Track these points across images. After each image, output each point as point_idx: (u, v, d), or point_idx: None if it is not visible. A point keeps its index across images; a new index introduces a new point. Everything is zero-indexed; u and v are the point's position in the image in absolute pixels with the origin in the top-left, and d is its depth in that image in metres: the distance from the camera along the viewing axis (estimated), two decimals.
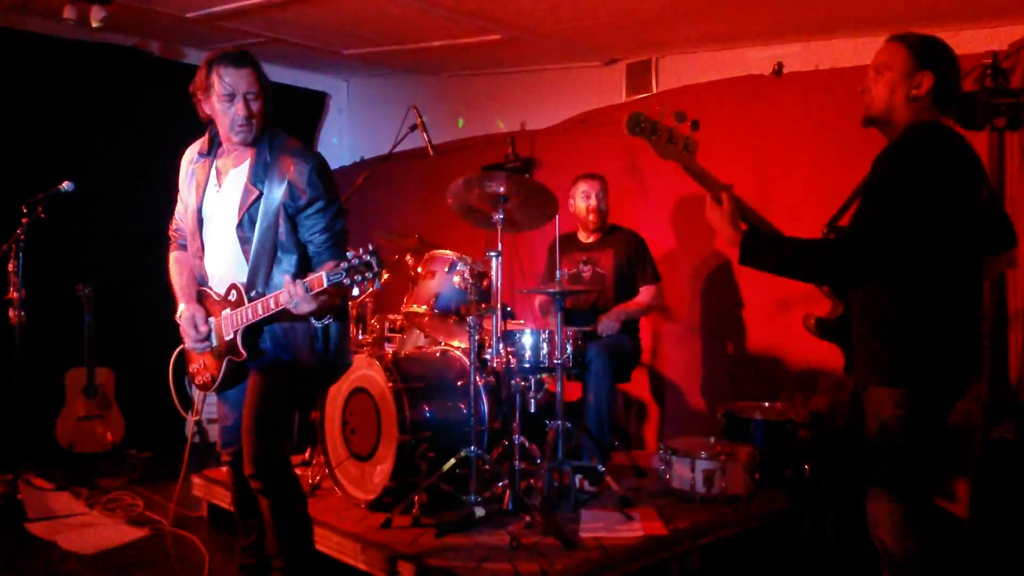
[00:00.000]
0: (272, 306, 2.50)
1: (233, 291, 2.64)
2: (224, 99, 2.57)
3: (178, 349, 2.88)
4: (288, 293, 2.41)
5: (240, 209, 2.63)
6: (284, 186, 2.61)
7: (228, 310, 2.65)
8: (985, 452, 3.26)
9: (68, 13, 4.60)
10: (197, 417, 5.15)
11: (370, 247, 2.35)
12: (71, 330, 5.11)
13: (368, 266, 2.33)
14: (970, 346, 2.23)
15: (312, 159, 2.65)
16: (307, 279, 2.40)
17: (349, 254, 2.35)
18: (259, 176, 2.64)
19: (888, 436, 2.21)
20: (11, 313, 3.63)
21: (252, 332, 2.64)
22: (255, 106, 2.60)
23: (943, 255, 2.15)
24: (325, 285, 2.36)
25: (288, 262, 2.64)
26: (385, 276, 3.23)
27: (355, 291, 2.36)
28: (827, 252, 2.17)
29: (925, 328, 2.17)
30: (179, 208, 2.90)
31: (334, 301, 2.54)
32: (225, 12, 4.76)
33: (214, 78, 2.57)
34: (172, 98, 5.64)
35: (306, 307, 2.43)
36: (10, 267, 3.62)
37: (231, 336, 2.63)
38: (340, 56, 5.81)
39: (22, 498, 3.91)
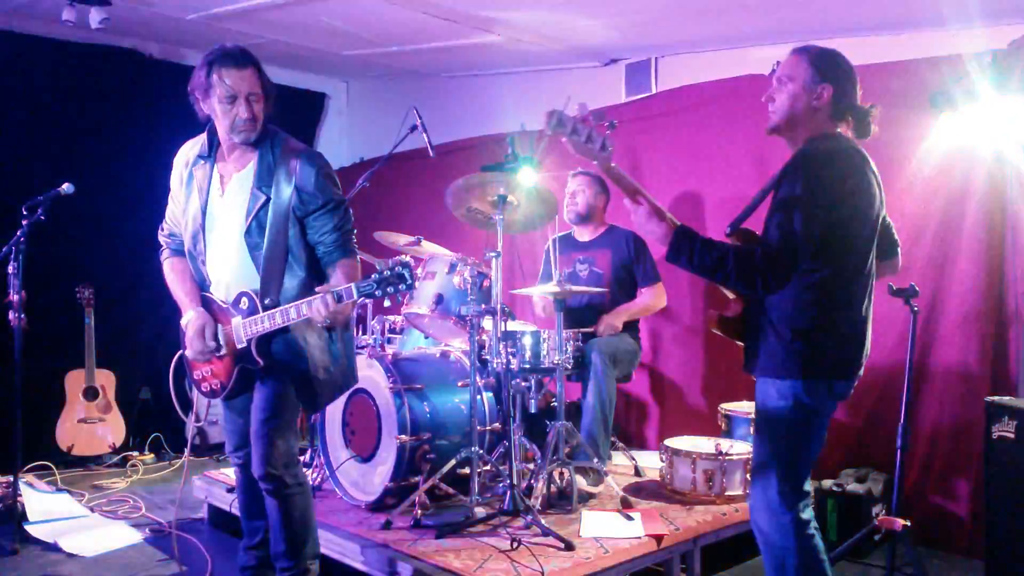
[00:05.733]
0: (294, 316, 2.46)
1: (244, 299, 2.60)
2: (225, 101, 2.52)
3: (178, 354, 2.84)
4: (320, 307, 2.36)
5: (248, 215, 2.60)
6: (292, 189, 2.58)
7: (240, 318, 2.61)
8: (986, 452, 3.26)
9: (67, 15, 4.59)
10: (199, 422, 5.16)
11: (400, 259, 2.34)
12: (71, 332, 5.12)
13: (401, 278, 2.33)
14: (852, 346, 2.32)
15: (316, 161, 2.64)
16: (337, 290, 2.36)
17: (379, 264, 2.34)
18: (264, 180, 2.60)
19: (770, 423, 2.33)
20: (11, 315, 3.62)
21: (264, 339, 2.60)
22: (257, 107, 2.57)
23: (847, 261, 2.26)
24: (355, 297, 2.34)
25: (299, 268, 2.62)
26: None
27: (386, 303, 2.36)
28: (752, 261, 2.20)
29: (814, 327, 2.26)
30: (171, 210, 2.83)
31: (348, 311, 2.52)
32: (225, 13, 4.76)
33: (214, 79, 2.52)
34: (172, 99, 5.65)
35: (340, 319, 2.43)
36: (10, 269, 3.61)
37: (244, 344, 2.60)
38: (340, 57, 5.80)
39: (22, 500, 3.90)
